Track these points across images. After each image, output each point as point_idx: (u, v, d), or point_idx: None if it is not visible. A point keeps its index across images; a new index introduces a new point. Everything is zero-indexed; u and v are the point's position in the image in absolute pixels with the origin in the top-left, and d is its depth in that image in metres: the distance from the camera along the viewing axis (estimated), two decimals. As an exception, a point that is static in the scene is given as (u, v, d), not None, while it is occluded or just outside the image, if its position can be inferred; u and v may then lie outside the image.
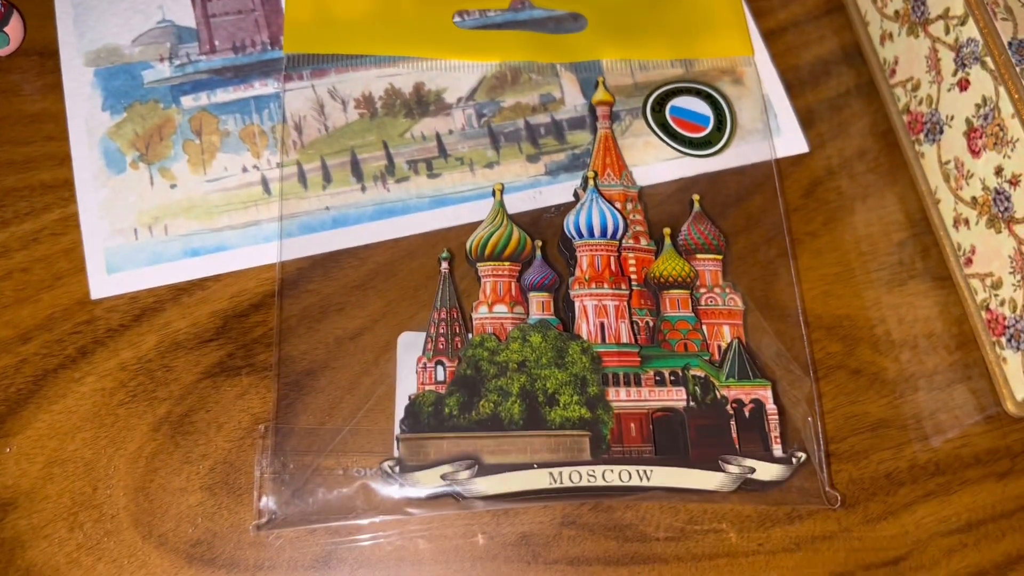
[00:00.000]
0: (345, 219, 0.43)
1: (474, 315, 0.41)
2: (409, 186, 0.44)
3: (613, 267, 0.42)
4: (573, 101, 0.46)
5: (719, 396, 0.40)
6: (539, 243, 0.43)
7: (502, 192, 0.43)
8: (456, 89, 0.46)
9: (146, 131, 0.44)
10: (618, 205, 0.43)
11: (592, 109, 0.46)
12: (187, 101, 0.45)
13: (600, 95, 0.46)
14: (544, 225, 0.44)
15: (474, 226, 0.43)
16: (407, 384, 0.40)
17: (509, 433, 0.38)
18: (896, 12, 0.47)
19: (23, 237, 0.42)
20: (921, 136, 0.46)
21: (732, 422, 0.40)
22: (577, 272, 0.42)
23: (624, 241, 0.43)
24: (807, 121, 0.49)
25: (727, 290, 0.43)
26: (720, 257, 0.44)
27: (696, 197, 0.45)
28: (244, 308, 0.42)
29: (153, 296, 0.42)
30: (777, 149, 0.47)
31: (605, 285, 0.42)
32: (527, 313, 0.41)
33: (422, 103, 0.46)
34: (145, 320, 0.41)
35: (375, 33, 0.45)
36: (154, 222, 0.42)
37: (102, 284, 0.41)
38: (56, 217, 0.43)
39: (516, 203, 0.44)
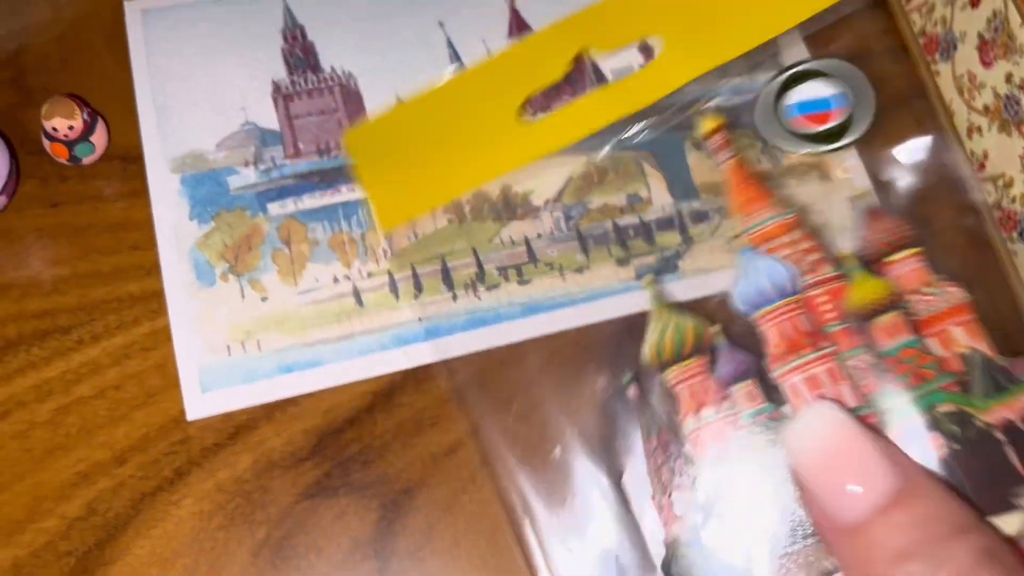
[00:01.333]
0: (437, 330, 0.42)
1: (684, 429, 0.36)
2: (500, 293, 0.43)
3: (805, 326, 0.36)
4: (660, 200, 0.46)
5: (982, 425, 0.33)
6: (716, 329, 0.38)
7: (653, 283, 0.40)
8: (543, 191, 0.46)
9: (235, 241, 0.43)
10: (784, 245, 0.38)
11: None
12: (274, 208, 0.44)
13: (708, 124, 0.41)
14: (713, 307, 0.39)
15: (565, 335, 0.43)
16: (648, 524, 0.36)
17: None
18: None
19: (114, 353, 0.42)
20: (936, 56, 0.48)
21: (1009, 448, 0.33)
22: (769, 348, 0.36)
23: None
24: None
25: (940, 284, 0.36)
26: (918, 250, 0.37)
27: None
28: (339, 424, 0.41)
29: (247, 413, 0.41)
30: (867, 247, 0.46)
31: (806, 351, 0.36)
32: (735, 406, 0.36)
33: (509, 206, 0.45)
34: (240, 438, 0.41)
35: (457, 175, 0.41)
36: (247, 337, 0.41)
37: (198, 404, 0.40)
38: (146, 331, 0.43)
39: (608, 309, 0.44)
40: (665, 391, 0.38)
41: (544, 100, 0.44)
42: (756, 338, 0.37)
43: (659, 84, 0.41)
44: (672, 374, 0.37)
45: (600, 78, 0.46)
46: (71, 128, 0.42)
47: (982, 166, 0.45)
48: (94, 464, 0.40)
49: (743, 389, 0.36)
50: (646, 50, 0.45)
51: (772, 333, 0.37)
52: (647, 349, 0.38)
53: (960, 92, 0.46)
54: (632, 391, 0.39)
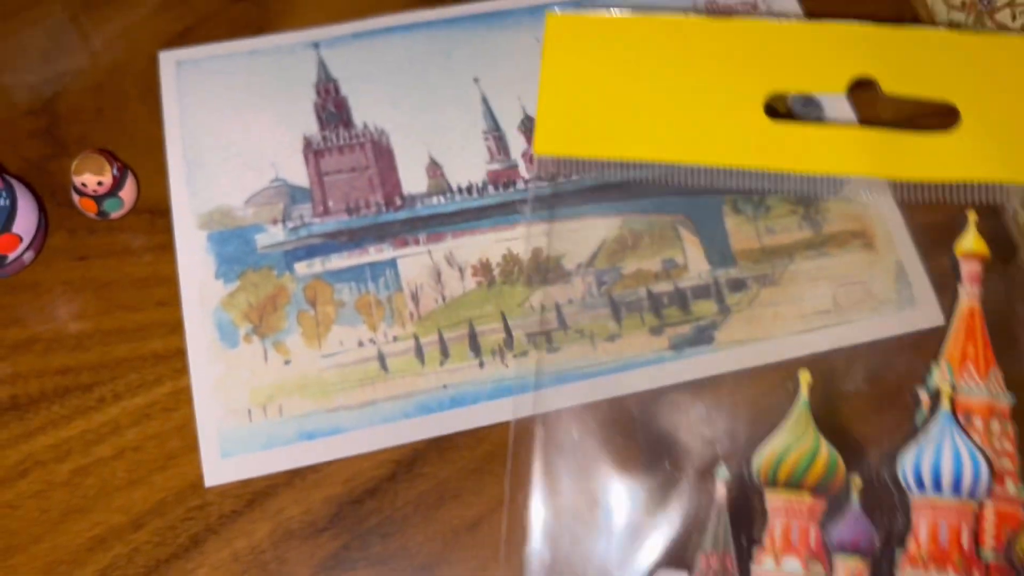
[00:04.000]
0: (463, 398, 0.41)
1: (754, 566, 0.32)
2: (528, 361, 0.42)
3: (966, 542, 0.29)
4: (697, 267, 0.44)
5: None
6: (856, 481, 0.32)
7: (809, 386, 0.34)
8: (575, 254, 0.44)
9: (260, 301, 0.43)
10: (983, 433, 0.31)
11: (955, 265, 0.35)
12: (301, 268, 0.43)
13: (970, 243, 0.34)
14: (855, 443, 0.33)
15: (596, 406, 0.42)
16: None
17: None
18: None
19: (135, 412, 0.41)
20: None
21: None
22: (911, 543, 0.30)
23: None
24: (938, 285, 0.46)
25: None
26: None
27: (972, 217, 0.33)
28: (359, 494, 0.40)
29: (266, 480, 0.40)
30: (912, 321, 0.44)
31: (951, 570, 0.29)
32: None
33: (540, 270, 0.44)
34: (258, 505, 0.40)
35: (651, 131, 0.34)
36: (268, 401, 0.41)
37: (217, 470, 0.39)
38: (168, 390, 0.42)
39: (641, 380, 0.42)
40: (758, 510, 0.32)
41: (800, 106, 0.37)
42: (895, 515, 0.30)
43: (939, 165, 0.34)
44: (778, 498, 0.31)
45: (875, 118, 0.37)
46: (100, 184, 0.42)
47: None
48: (110, 528, 0.39)
49: (849, 565, 0.29)
50: (945, 117, 0.36)
51: (923, 527, 0.29)
52: (765, 453, 0.33)
53: None
54: (720, 489, 0.33)
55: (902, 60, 0.35)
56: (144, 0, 0.52)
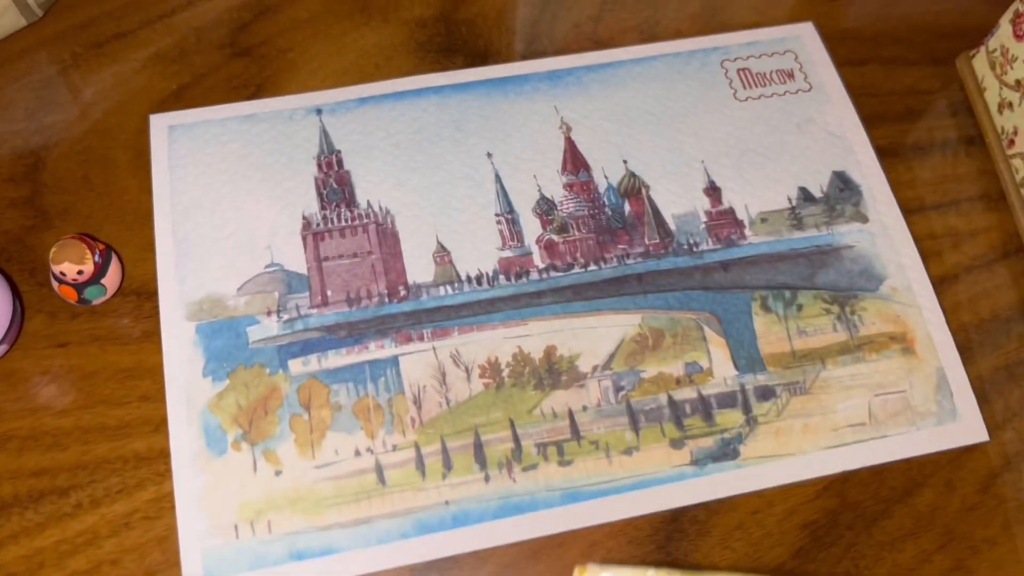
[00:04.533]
0: (466, 516, 0.38)
1: None
2: (538, 476, 0.39)
3: None
4: (723, 373, 0.41)
5: None
6: None
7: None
8: (591, 355, 0.41)
9: (250, 403, 0.39)
10: None
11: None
12: (295, 366, 0.40)
13: None
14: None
15: (609, 527, 0.39)
16: None
17: None
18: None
19: (114, 521, 0.38)
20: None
21: None
22: None
23: None
24: (981, 395, 0.43)
25: None
26: None
27: None
28: (352, 619, 0.38)
29: (253, 601, 0.38)
30: (953, 436, 0.41)
31: None
32: None
33: (553, 371, 0.41)
34: (243, 630, 0.37)
35: None
36: (257, 517, 0.38)
37: (199, 593, 0.37)
38: (150, 496, 0.39)
39: (659, 499, 0.39)
40: None
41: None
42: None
43: None
44: None
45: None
46: (80, 273, 0.39)
47: (1012, 142, 0.43)
48: (83, 653, 0.37)
49: None
50: None
51: None
52: None
53: (992, 67, 0.43)
54: None
55: None
56: (138, 56, 0.49)
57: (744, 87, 0.48)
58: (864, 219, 0.45)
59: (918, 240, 0.46)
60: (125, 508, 0.39)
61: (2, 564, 0.38)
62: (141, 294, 0.43)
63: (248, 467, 0.38)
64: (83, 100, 0.48)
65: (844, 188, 0.46)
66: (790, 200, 0.45)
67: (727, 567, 0.39)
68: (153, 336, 0.42)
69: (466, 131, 0.46)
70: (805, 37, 0.50)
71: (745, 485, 0.39)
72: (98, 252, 0.40)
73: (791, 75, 0.49)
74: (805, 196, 0.45)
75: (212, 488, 0.38)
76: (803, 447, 0.40)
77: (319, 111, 0.46)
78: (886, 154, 0.48)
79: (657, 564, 0.38)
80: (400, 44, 0.50)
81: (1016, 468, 0.42)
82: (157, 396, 0.41)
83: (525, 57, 0.49)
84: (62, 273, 0.39)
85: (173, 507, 0.39)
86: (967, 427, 0.41)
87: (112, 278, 0.41)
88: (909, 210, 0.46)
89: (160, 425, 0.40)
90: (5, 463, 0.39)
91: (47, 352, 0.42)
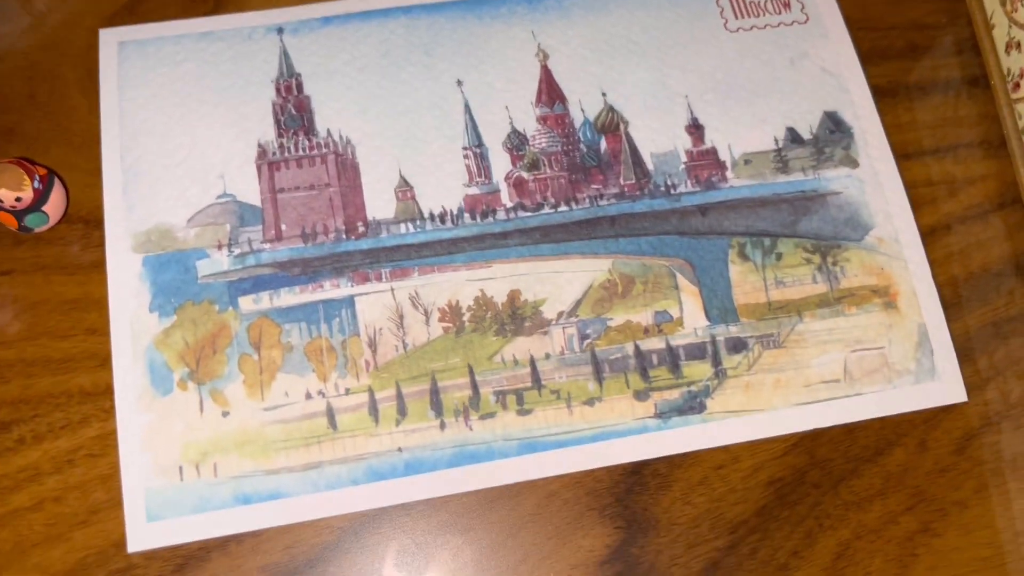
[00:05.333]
0: (420, 464, 0.37)
1: None
2: (495, 424, 0.38)
3: None
4: (694, 323, 0.39)
5: None
6: None
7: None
8: (557, 300, 0.39)
9: (198, 341, 0.38)
10: None
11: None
12: (246, 303, 0.38)
13: None
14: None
15: (568, 477, 0.37)
16: None
17: None
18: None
19: (57, 457, 0.37)
20: None
21: None
22: None
23: None
24: (965, 353, 0.41)
25: None
26: None
27: None
28: (299, 564, 0.36)
29: (198, 544, 0.36)
30: (930, 395, 0.39)
31: None
32: None
33: (516, 317, 0.39)
34: (188, 572, 0.36)
35: None
36: (202, 459, 0.36)
37: (141, 535, 0.35)
38: (94, 434, 0.38)
39: (620, 451, 0.38)
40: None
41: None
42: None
43: None
44: None
45: None
46: (18, 200, 0.37)
47: (1017, 85, 0.41)
48: (25, 589, 0.36)
49: None
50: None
51: None
52: None
53: (1003, 2, 0.41)
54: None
55: None
56: (88, -38, 0.46)
57: (736, 16, 0.45)
58: (854, 164, 0.42)
59: (910, 187, 0.43)
60: (69, 444, 0.38)
61: (-58, 498, 0.37)
62: (89, 222, 0.41)
63: (195, 407, 0.37)
64: (30, 9, 0.45)
65: (835, 130, 0.43)
66: (776, 141, 0.42)
67: (687, 521, 0.38)
68: (100, 267, 0.40)
69: (436, 56, 0.43)
70: (805, -37, 0.46)
71: (710, 440, 0.38)
72: (38, 178, 0.38)
73: (787, 4, 0.45)
74: (793, 137, 0.43)
75: (156, 428, 0.37)
76: (773, 403, 0.39)
77: (280, 30, 0.43)
78: (883, 94, 0.45)
79: (611, 513, 0.37)
80: (370, -42, 0.47)
81: (994, 429, 0.40)
82: (103, 330, 0.39)
83: (504, -24, 0.46)
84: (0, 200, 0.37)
85: (117, 445, 0.38)
86: (945, 387, 0.39)
87: (55, 205, 0.39)
88: (903, 155, 0.43)
89: (106, 360, 0.39)
90: (-55, 394, 0.38)
91: (-11, 280, 0.40)
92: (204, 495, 0.36)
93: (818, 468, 0.39)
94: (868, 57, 0.45)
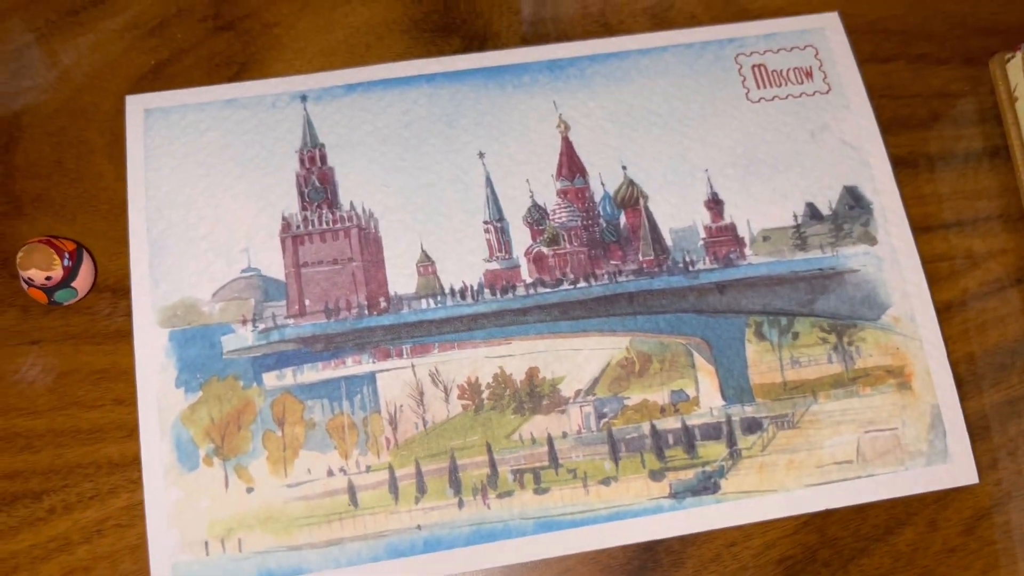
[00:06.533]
0: (438, 542, 0.38)
1: None
2: (512, 503, 0.38)
3: None
4: (710, 402, 0.40)
5: None
6: None
7: None
8: (575, 378, 0.40)
9: (223, 417, 0.39)
10: None
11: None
12: (270, 379, 0.39)
13: None
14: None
15: (583, 554, 0.38)
16: None
17: None
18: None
19: (86, 528, 0.38)
20: None
21: None
22: None
23: None
24: (978, 431, 0.41)
25: None
26: None
27: None
28: (320, 638, 0.38)
29: (222, 616, 0.38)
30: (941, 477, 0.40)
31: None
32: None
33: (534, 395, 0.40)
34: (212, 643, 0.38)
35: None
36: (227, 534, 0.37)
37: (168, 609, 0.37)
38: (123, 504, 0.39)
39: (634, 531, 0.38)
40: None
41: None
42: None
43: None
44: None
45: None
46: (48, 279, 0.38)
47: None
48: (56, 659, 0.37)
49: None
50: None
51: None
52: None
53: None
54: None
55: None
56: (115, 25, 0.46)
57: (758, 86, 0.45)
58: (872, 240, 0.43)
59: (927, 262, 0.43)
60: (98, 515, 0.39)
61: (-24, 567, 0.38)
62: (116, 291, 0.42)
63: (220, 483, 0.38)
64: (58, 74, 0.45)
65: (854, 205, 0.43)
66: (796, 217, 0.43)
67: (698, 602, 0.39)
68: (128, 336, 0.41)
69: (458, 127, 0.43)
70: (828, 30, 0.46)
71: (723, 520, 0.39)
72: (67, 256, 0.38)
73: (809, 74, 0.45)
74: (812, 213, 0.43)
75: (183, 503, 0.38)
76: (786, 484, 0.39)
77: (304, 97, 0.44)
78: (903, 164, 0.45)
79: (627, 599, 0.38)
80: (393, 21, 0.47)
81: (1004, 510, 0.41)
82: (130, 400, 0.40)
83: (527, 41, 0.46)
84: (30, 279, 0.38)
85: (144, 517, 0.39)
86: (957, 468, 0.40)
87: (84, 280, 0.39)
88: (922, 228, 0.44)
89: (133, 431, 0.40)
90: (-22, 464, 0.39)
91: (20, 349, 0.41)
92: (229, 570, 0.37)
93: (828, 547, 0.40)
94: (889, 126, 0.45)
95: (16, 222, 0.42)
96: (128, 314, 0.41)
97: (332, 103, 0.43)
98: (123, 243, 0.42)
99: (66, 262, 0.38)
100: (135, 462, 0.39)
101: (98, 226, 0.42)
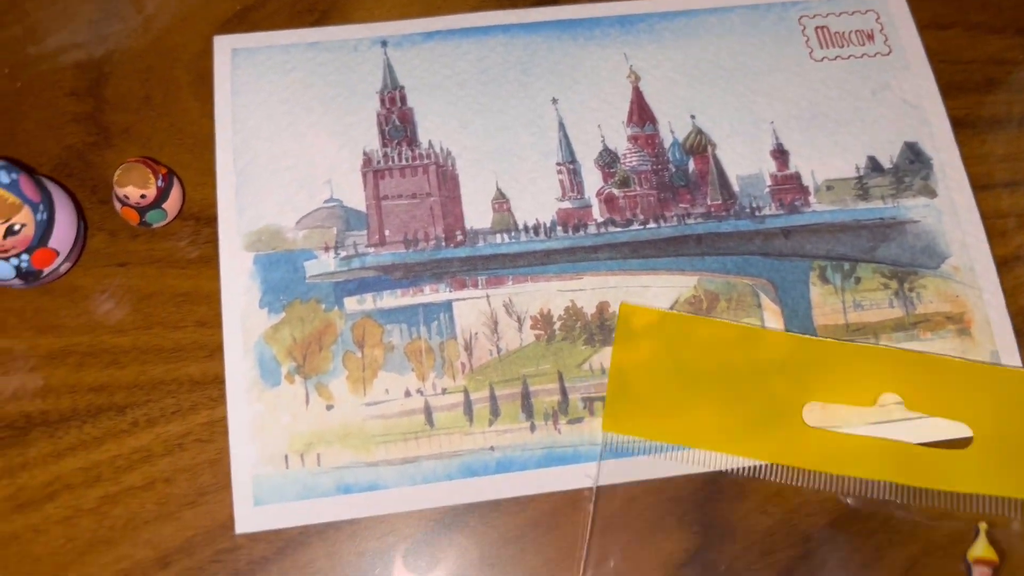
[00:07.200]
0: (510, 463, 0.39)
1: None
2: (583, 429, 0.39)
3: None
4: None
5: None
6: None
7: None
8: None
9: (305, 337, 0.40)
10: None
11: (968, 570, 0.37)
12: (351, 303, 0.41)
13: (980, 551, 0.38)
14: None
15: (650, 483, 0.39)
16: None
17: None
18: None
19: (168, 441, 0.40)
20: None
21: None
22: None
23: None
24: (1035, 379, 0.42)
25: None
26: None
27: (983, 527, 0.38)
28: (393, 552, 0.38)
29: (299, 529, 0.39)
30: (1000, 421, 0.41)
31: None
32: None
33: (604, 328, 0.41)
34: (288, 555, 0.38)
35: (703, 424, 0.38)
36: (307, 449, 0.39)
37: (249, 517, 0.38)
38: (203, 420, 0.40)
39: (700, 461, 0.39)
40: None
41: (825, 414, 0.39)
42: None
43: (955, 479, 0.38)
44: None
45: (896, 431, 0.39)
46: (143, 197, 0.39)
47: None
48: (137, 564, 0.38)
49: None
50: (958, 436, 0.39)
51: None
52: None
53: None
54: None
55: (925, 384, 0.40)
56: (202, -29, 0.48)
57: (821, 46, 0.46)
58: (932, 194, 0.44)
59: (984, 218, 0.45)
60: (179, 429, 0.40)
61: (60, 475, 0.39)
62: (200, 219, 0.43)
63: (300, 400, 0.39)
64: (146, 15, 0.47)
65: (914, 160, 0.44)
66: (858, 169, 0.44)
67: (762, 530, 0.40)
68: (210, 262, 0.42)
69: (532, 75, 0.45)
70: (889, -4, 0.48)
71: (787, 454, 0.40)
72: (161, 176, 0.40)
73: (871, 36, 0.47)
74: (873, 166, 0.44)
75: (264, 418, 0.39)
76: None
77: (384, 43, 0.45)
78: (961, 126, 0.47)
79: (690, 522, 0.39)
80: (469, -24, 0.49)
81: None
82: (212, 322, 0.41)
83: (597, -3, 0.48)
84: (125, 196, 0.39)
85: (225, 432, 0.40)
86: (1015, 413, 0.41)
87: (173, 203, 0.41)
88: (978, 186, 0.45)
89: (215, 351, 0.41)
90: (65, 377, 0.41)
91: (108, 271, 0.42)
92: (308, 484, 0.38)
93: (888, 484, 0.41)
94: (947, 89, 0.47)
95: (106, 152, 0.44)
96: (211, 241, 0.42)
97: (411, 49, 0.45)
98: (207, 175, 0.43)
99: (159, 182, 0.40)
100: (215, 381, 0.41)
101: (183, 158, 0.44)
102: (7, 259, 0.37)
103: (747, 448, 0.38)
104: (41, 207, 0.37)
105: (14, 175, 0.36)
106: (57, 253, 0.38)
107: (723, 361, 0.39)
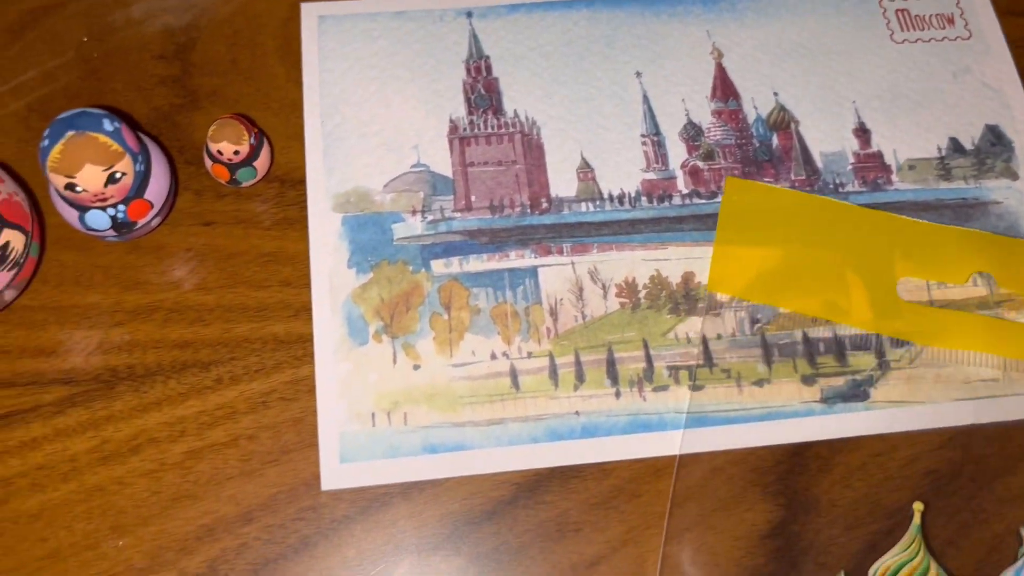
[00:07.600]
0: (595, 428, 0.39)
1: None
2: (668, 397, 0.39)
3: None
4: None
5: None
6: None
7: (922, 514, 0.37)
8: (729, 284, 0.41)
9: (392, 298, 0.40)
10: None
11: None
12: (438, 266, 0.41)
13: None
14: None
15: (734, 454, 0.39)
16: None
17: None
18: None
19: (252, 399, 0.40)
20: None
21: None
22: None
23: None
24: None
25: None
26: None
27: None
28: (477, 514, 0.38)
29: (383, 488, 0.39)
30: (1086, 401, 0.41)
31: None
32: None
33: (690, 298, 0.41)
34: (372, 514, 0.38)
35: (800, 288, 0.41)
36: (393, 408, 0.39)
37: (335, 474, 0.38)
38: (287, 379, 0.40)
39: (785, 432, 0.39)
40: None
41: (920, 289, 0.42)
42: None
43: None
44: None
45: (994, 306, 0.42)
46: (236, 153, 0.39)
47: None
48: (220, 519, 0.38)
49: None
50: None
51: None
52: (877, 568, 0.37)
53: None
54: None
55: (1016, 264, 0.42)
56: (288, -58, 0.48)
57: (902, 28, 0.47)
58: (1014, 176, 0.44)
59: (1065, 203, 0.45)
60: (263, 387, 0.40)
61: (146, 429, 0.39)
62: (285, 182, 0.43)
63: (388, 359, 0.39)
64: (232, -17, 0.48)
65: (996, 143, 0.45)
66: (939, 149, 0.44)
67: (846, 504, 0.39)
68: (295, 224, 0.42)
69: (616, 48, 0.45)
70: (968, -17, 0.48)
71: (873, 427, 0.39)
72: (253, 135, 0.40)
73: (951, 20, 0.47)
74: (955, 147, 0.44)
75: (352, 376, 0.39)
76: (933, 396, 0.40)
77: (469, 14, 0.46)
78: (1039, 112, 0.47)
79: (773, 493, 0.39)
80: (550, -46, 0.49)
81: None
82: (297, 283, 0.41)
83: (676, -21, 0.48)
84: (219, 152, 0.39)
85: (309, 391, 0.40)
86: (1101, 393, 0.41)
87: (263, 162, 0.41)
88: None
89: (299, 311, 0.41)
90: (150, 332, 0.41)
91: (194, 229, 0.42)
92: (394, 442, 0.38)
93: (974, 463, 0.40)
94: (1025, 76, 0.47)
95: (193, 114, 0.44)
96: (296, 204, 0.43)
97: (496, 20, 0.46)
98: (294, 139, 0.44)
99: (252, 140, 0.40)
100: (299, 340, 0.41)
101: (270, 122, 0.44)
102: (104, 208, 0.37)
103: (843, 316, 0.41)
104: (140, 158, 0.37)
105: (116, 124, 0.36)
106: (152, 205, 0.39)
107: (823, 233, 0.42)
